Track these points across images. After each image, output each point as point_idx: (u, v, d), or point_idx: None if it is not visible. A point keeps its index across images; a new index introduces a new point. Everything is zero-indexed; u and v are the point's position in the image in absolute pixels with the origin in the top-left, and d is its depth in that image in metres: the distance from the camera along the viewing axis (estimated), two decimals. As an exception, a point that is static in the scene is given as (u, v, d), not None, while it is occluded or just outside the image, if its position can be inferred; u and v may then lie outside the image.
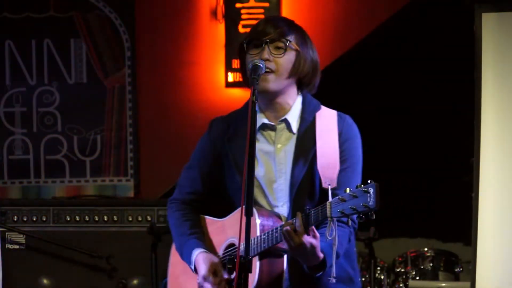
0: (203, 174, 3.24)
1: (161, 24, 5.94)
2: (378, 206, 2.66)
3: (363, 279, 5.86)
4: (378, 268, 5.87)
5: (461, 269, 5.76)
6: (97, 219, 5.11)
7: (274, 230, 2.92)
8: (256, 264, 2.95)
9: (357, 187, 2.71)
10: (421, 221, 6.54)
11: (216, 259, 3.09)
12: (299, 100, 3.16)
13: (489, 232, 4.23)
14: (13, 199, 5.64)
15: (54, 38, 5.88)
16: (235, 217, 3.09)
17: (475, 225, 4.24)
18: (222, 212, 3.20)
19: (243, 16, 5.80)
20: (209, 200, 3.27)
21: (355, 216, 2.76)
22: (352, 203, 2.70)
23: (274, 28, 3.07)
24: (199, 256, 3.10)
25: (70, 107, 5.88)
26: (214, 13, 5.88)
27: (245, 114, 3.16)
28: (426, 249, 5.88)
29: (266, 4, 5.78)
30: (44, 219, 5.11)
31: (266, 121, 3.13)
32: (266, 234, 2.94)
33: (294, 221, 2.84)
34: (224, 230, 3.15)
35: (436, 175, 6.47)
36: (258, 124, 3.11)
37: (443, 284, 5.61)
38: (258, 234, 2.96)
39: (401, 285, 5.84)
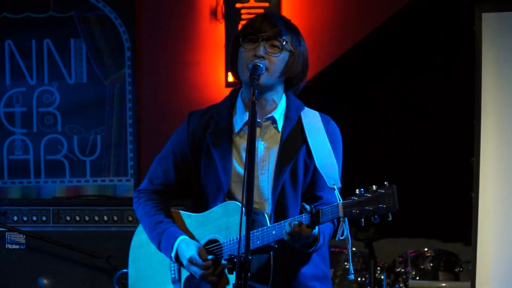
0: (177, 166, 3.24)
1: (161, 24, 5.94)
2: (397, 207, 2.72)
3: (363, 279, 5.87)
4: (378, 268, 5.88)
5: (461, 269, 5.76)
6: (97, 219, 5.11)
7: (271, 228, 2.93)
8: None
9: (374, 188, 2.75)
10: (421, 221, 6.54)
11: (201, 245, 3.09)
12: (284, 99, 3.19)
13: (489, 232, 4.23)
14: (13, 199, 5.64)
15: (54, 38, 5.88)
16: (215, 213, 3.10)
17: (475, 225, 4.24)
18: (194, 206, 3.20)
19: (243, 16, 5.80)
20: (177, 192, 3.27)
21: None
22: (370, 205, 2.73)
23: (272, 26, 3.08)
24: (183, 242, 3.10)
25: (70, 107, 5.87)
26: (214, 13, 5.88)
27: (227, 107, 3.18)
28: (426, 249, 5.88)
29: (266, 4, 5.77)
30: (44, 219, 5.11)
31: None
32: (260, 232, 2.95)
33: (302, 218, 2.86)
34: (204, 224, 3.15)
35: (436, 175, 6.47)
36: (244, 120, 3.14)
37: (443, 284, 5.61)
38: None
39: (401, 285, 5.84)
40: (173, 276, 3.16)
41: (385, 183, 2.74)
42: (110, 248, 5.03)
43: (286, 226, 2.88)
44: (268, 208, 3.08)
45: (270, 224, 2.99)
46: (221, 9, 5.85)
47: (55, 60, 5.88)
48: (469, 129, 4.35)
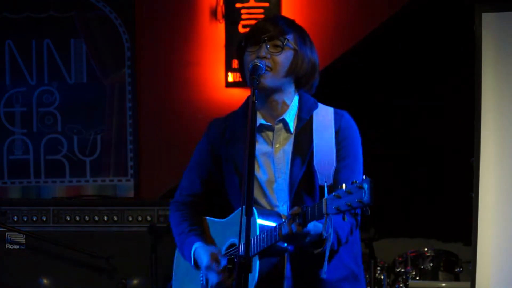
0: (202, 177, 3.26)
1: (161, 24, 5.94)
2: (373, 201, 2.63)
3: (363, 279, 5.87)
4: (378, 268, 5.88)
5: (461, 269, 5.76)
6: (97, 219, 5.11)
7: (273, 229, 2.91)
8: (256, 263, 2.94)
9: (352, 183, 2.69)
10: (421, 221, 6.54)
11: (216, 249, 3.09)
12: (296, 99, 3.17)
13: (489, 232, 4.24)
14: (13, 199, 5.64)
15: (54, 38, 5.88)
16: (235, 218, 3.10)
17: (475, 225, 4.24)
18: (221, 213, 3.20)
19: (243, 16, 5.80)
20: (208, 201, 3.28)
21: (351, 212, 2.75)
22: (347, 199, 2.67)
23: (273, 26, 3.08)
24: (199, 249, 3.11)
25: (70, 107, 5.87)
26: (214, 13, 5.88)
27: (242, 115, 3.18)
28: (426, 249, 5.88)
29: (266, 4, 5.77)
30: (44, 219, 5.11)
31: (263, 121, 3.13)
32: (265, 233, 2.93)
33: (291, 219, 2.84)
34: (225, 230, 3.15)
35: (436, 175, 6.47)
36: (257, 124, 3.10)
37: (443, 284, 5.61)
38: (257, 233, 2.96)
39: (401, 285, 5.84)
40: (202, 282, 3.16)
41: (363, 176, 2.68)
42: (110, 248, 5.03)
43: (284, 226, 2.86)
44: (287, 210, 3.06)
45: None
46: (221, 9, 5.85)
47: (55, 60, 5.88)
48: (469, 129, 4.35)
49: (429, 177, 6.51)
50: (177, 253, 3.36)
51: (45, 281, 5.02)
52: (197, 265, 3.14)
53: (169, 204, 3.41)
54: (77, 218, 5.11)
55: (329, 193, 2.76)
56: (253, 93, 2.87)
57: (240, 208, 3.03)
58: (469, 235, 4.27)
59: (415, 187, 6.54)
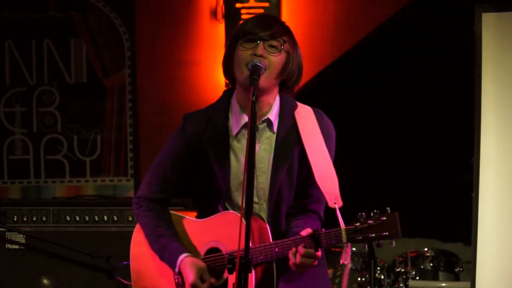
0: (175, 173, 3.21)
1: (161, 24, 5.94)
2: (400, 235, 2.75)
3: (363, 279, 5.87)
4: (378, 268, 5.87)
5: (461, 269, 5.76)
6: (97, 219, 5.10)
7: (273, 245, 2.95)
8: (252, 272, 2.95)
9: (377, 215, 2.77)
10: (421, 221, 6.54)
11: (202, 264, 3.09)
12: (277, 99, 3.17)
13: (489, 232, 4.24)
14: (13, 199, 5.63)
15: (54, 38, 5.88)
16: (219, 219, 3.09)
17: (475, 225, 4.24)
18: (201, 212, 3.19)
19: (243, 16, 5.80)
20: (176, 194, 3.26)
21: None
22: (374, 232, 2.77)
23: (270, 26, 3.08)
24: (185, 261, 3.09)
25: (70, 107, 5.88)
26: (214, 13, 5.88)
27: (222, 110, 3.15)
28: (426, 249, 5.88)
29: (266, 4, 5.78)
30: (44, 219, 5.11)
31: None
32: (263, 247, 2.96)
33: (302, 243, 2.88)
34: (206, 231, 3.14)
35: (436, 175, 6.47)
36: (242, 123, 3.11)
37: (443, 284, 5.61)
38: (271, 240, 2.98)
39: (401, 285, 5.84)
40: (176, 281, 3.16)
41: (387, 209, 2.75)
42: (110, 248, 5.02)
43: (292, 256, 2.90)
44: (266, 208, 3.09)
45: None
46: (221, 9, 5.85)
47: (55, 60, 5.88)
48: (469, 129, 4.35)
49: (429, 177, 6.51)
50: (137, 241, 3.28)
51: (45, 281, 5.01)
52: (180, 273, 3.12)
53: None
54: (77, 218, 5.11)
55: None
56: (252, 93, 2.88)
57: (222, 212, 3.08)
58: (469, 235, 4.27)
59: (415, 187, 6.54)
